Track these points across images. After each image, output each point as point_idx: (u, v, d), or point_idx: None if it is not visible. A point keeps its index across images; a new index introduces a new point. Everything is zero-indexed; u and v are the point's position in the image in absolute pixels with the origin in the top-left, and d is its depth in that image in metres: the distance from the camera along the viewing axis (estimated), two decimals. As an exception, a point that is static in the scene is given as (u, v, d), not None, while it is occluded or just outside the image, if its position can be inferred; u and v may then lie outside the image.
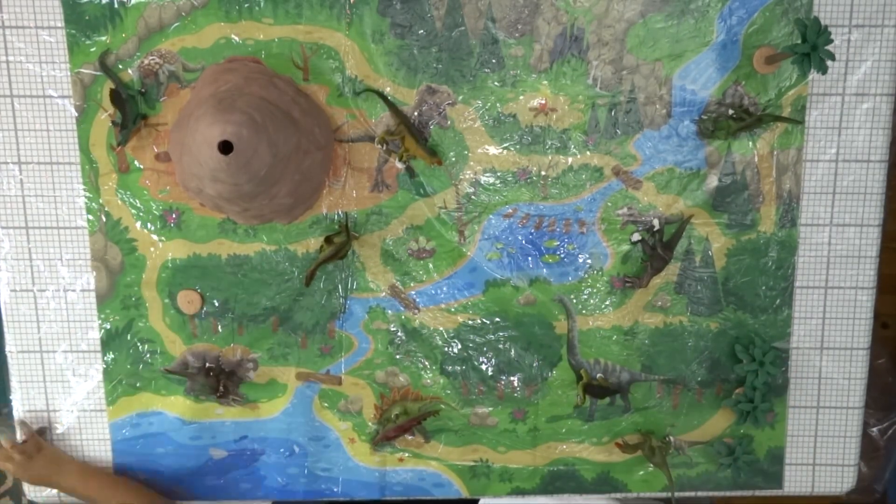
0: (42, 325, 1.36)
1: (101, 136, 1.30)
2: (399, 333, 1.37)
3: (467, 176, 1.33)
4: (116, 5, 1.26)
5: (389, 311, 1.37)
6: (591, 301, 1.37)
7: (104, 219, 1.33)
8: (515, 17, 1.28)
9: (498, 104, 1.30)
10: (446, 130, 1.31)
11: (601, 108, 1.31)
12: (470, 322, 1.37)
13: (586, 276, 1.36)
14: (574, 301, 1.37)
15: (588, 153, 1.32)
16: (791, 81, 1.30)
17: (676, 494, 1.42)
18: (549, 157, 1.32)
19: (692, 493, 1.45)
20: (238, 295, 1.35)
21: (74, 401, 1.39)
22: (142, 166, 1.31)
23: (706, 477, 1.43)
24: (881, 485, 2.21)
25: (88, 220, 1.33)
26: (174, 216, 1.33)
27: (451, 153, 1.32)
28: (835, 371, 1.41)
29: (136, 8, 1.26)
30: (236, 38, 1.27)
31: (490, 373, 1.40)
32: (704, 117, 1.31)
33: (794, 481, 1.45)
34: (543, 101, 1.30)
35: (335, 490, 1.43)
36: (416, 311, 1.37)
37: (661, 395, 1.41)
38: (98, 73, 1.28)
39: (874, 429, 2.16)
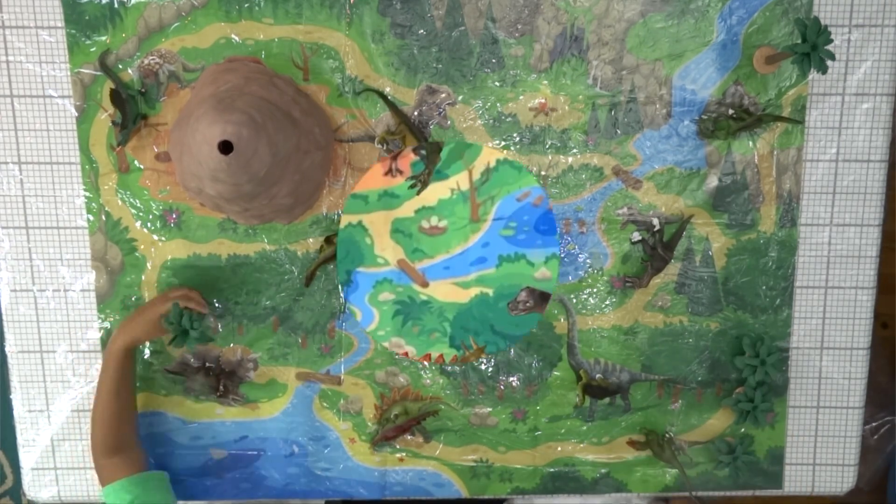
0: (42, 325, 1.36)
1: (101, 136, 1.30)
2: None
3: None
4: (116, 5, 1.26)
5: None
6: (591, 301, 1.37)
7: (104, 219, 1.33)
8: (515, 17, 1.28)
9: (498, 104, 1.30)
10: (446, 130, 1.31)
11: (601, 107, 1.31)
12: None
13: (586, 276, 1.36)
14: (574, 301, 1.37)
15: (588, 153, 1.32)
16: (791, 81, 1.30)
17: (674, 494, 1.42)
18: (549, 157, 1.32)
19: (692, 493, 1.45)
20: (238, 295, 1.35)
21: (74, 401, 1.39)
22: (142, 166, 1.31)
23: (706, 477, 1.43)
24: (867, 483, 2.21)
25: (88, 220, 1.33)
26: (174, 216, 1.32)
27: (451, 153, 1.32)
28: (835, 371, 1.41)
29: (136, 8, 1.26)
30: (236, 38, 1.27)
31: (490, 373, 1.40)
32: (704, 117, 1.31)
33: (794, 481, 1.45)
34: (543, 101, 1.30)
35: (335, 490, 1.43)
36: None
37: (661, 395, 1.41)
38: (98, 73, 1.28)
39: (866, 426, 2.17)
